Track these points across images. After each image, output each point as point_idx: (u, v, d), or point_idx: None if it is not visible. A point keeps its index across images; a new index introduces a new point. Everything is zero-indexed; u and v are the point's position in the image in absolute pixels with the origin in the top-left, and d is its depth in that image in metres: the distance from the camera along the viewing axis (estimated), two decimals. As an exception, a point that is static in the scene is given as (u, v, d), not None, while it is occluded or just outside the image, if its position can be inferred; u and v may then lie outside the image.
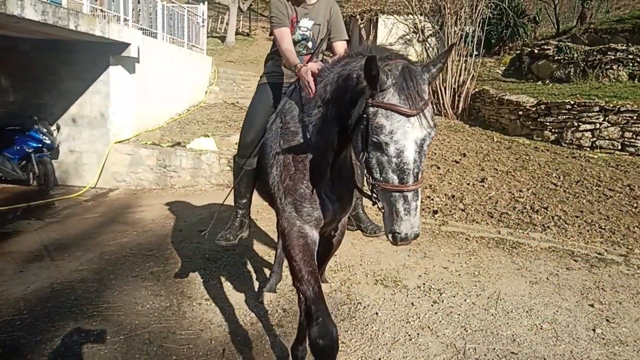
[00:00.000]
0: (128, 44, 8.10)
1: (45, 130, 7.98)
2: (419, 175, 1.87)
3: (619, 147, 8.46)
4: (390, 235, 1.87)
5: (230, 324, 3.44)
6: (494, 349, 3.22)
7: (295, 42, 2.93)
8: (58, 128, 8.39)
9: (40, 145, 7.92)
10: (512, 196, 6.74)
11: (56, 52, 8.19)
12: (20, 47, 8.30)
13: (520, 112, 9.92)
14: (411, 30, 14.74)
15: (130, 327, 3.31)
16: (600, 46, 11.33)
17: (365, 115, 1.87)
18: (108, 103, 8.38)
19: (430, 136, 1.88)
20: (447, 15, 11.59)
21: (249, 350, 3.12)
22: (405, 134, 1.82)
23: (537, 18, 16.01)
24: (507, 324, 3.55)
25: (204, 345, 3.15)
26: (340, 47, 3.06)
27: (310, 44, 3.02)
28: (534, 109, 9.64)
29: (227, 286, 4.05)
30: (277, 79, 3.10)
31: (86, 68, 8.22)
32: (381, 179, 1.87)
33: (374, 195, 1.94)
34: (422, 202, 2.03)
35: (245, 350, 3.12)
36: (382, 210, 1.91)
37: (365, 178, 1.99)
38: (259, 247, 4.98)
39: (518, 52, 14.06)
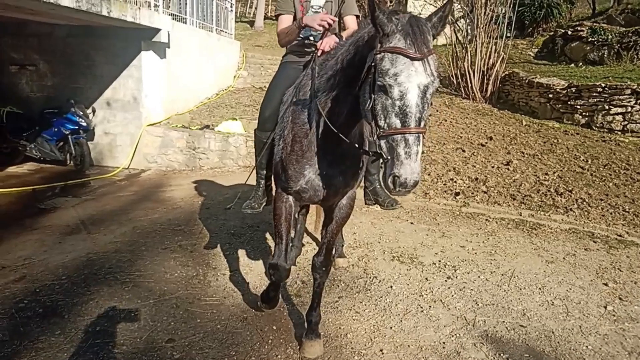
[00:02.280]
0: (158, 30, 8.34)
1: (81, 113, 8.33)
2: (422, 122, 1.94)
3: (651, 131, 8.28)
4: (390, 179, 1.91)
5: (252, 293, 3.63)
6: (504, 321, 3.32)
7: None
8: (93, 111, 8.74)
9: (76, 127, 8.29)
10: (537, 179, 6.72)
11: (90, 38, 8.51)
12: (56, 33, 8.66)
13: (551, 95, 9.77)
14: (440, 12, 14.56)
15: (159, 292, 3.55)
16: (636, 27, 10.97)
17: (373, 64, 1.98)
18: (140, 87, 8.68)
19: (434, 85, 1.95)
20: (478, -3, 11.42)
21: (268, 317, 3.31)
22: (409, 77, 1.91)
23: (572, -2, 15.56)
24: (519, 299, 3.64)
25: (227, 310, 3.36)
26: (351, 21, 3.22)
27: None
28: (564, 91, 9.48)
29: (250, 259, 4.25)
30: (298, 57, 3.24)
31: (119, 53, 8.52)
32: (385, 125, 1.96)
33: (378, 143, 2.00)
34: (424, 157, 2.09)
35: (265, 316, 3.31)
36: (384, 161, 1.96)
37: (370, 130, 2.08)
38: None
39: (551, 33, 13.72)
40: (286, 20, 3.22)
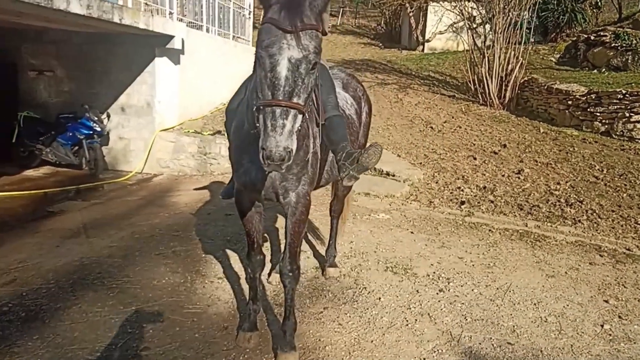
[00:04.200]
0: (172, 36, 8.43)
1: (96, 118, 8.47)
2: (294, 97, 1.99)
3: (673, 140, 7.95)
4: (260, 154, 1.98)
5: (236, 302, 3.60)
6: (491, 338, 3.19)
7: None
8: (108, 116, 8.89)
9: (91, 132, 8.44)
10: (548, 189, 6.52)
11: (106, 44, 8.67)
12: (73, 40, 8.85)
13: (570, 102, 9.50)
14: (460, 18, 14.38)
15: (144, 299, 3.55)
16: (662, 31, 10.59)
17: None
18: (154, 93, 8.79)
19: (308, 60, 1.99)
20: (495, 1, 11.21)
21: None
22: (280, 49, 1.96)
23: (599, 3, 15.12)
24: (511, 315, 3.50)
25: (208, 319, 3.33)
26: None
27: None
28: (584, 98, 9.20)
29: (241, 267, 4.21)
30: None
31: (133, 60, 8.65)
32: (261, 96, 2.03)
33: (257, 115, 2.06)
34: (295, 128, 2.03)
35: (246, 327, 3.26)
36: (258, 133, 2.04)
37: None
38: (275, 233, 5.11)
39: (574, 39, 13.37)
40: None
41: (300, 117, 2.04)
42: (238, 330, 3.11)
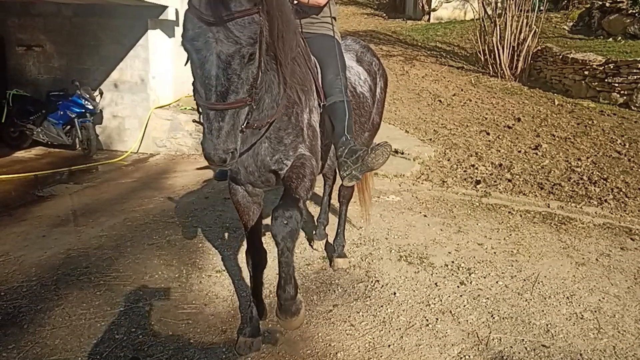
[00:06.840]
0: (165, 7, 7.93)
1: (87, 95, 8.03)
2: (230, 95, 1.75)
3: (699, 111, 7.50)
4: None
5: (237, 299, 3.26)
6: (523, 340, 2.85)
7: None
8: (101, 93, 8.45)
9: (83, 110, 8.01)
10: (569, 165, 6.11)
11: (96, 17, 8.18)
12: (62, 13, 8.36)
13: (586, 72, 9.01)
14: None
15: (133, 298, 3.21)
16: (685, -4, 9.99)
17: None
18: (147, 68, 8.33)
19: (242, 55, 1.72)
20: (506, -34, 10.61)
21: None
22: (207, 44, 1.70)
23: (613, -33, 14.41)
24: (543, 311, 3.15)
25: (205, 321, 2.99)
26: None
27: None
28: (601, 68, 8.71)
29: (241, 257, 3.85)
30: None
31: (125, 32, 8.16)
32: (197, 91, 1.82)
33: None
34: (237, 127, 1.87)
35: (247, 329, 2.92)
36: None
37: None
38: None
39: (588, 6, 12.74)
40: None
41: (245, 109, 1.86)
42: (238, 335, 2.77)
